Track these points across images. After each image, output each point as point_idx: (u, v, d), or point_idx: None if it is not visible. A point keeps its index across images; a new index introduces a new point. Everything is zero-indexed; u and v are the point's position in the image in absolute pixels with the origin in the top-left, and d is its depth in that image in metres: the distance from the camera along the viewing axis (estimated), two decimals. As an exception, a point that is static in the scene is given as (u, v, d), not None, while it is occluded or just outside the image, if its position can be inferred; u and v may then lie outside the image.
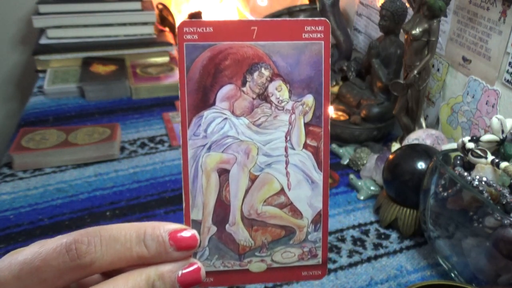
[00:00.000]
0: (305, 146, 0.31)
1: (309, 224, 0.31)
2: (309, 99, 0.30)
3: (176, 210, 0.70)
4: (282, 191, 0.31)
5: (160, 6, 1.33)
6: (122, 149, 0.85)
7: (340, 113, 0.92)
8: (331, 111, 0.91)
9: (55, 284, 0.25)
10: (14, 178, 0.76)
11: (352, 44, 1.05)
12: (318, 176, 0.31)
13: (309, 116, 0.30)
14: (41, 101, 1.02)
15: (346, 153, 0.83)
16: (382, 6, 0.83)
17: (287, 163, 0.31)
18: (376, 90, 0.88)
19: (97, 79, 1.04)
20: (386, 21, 0.83)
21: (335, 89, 0.97)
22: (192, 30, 0.29)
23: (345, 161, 0.82)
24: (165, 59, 1.19)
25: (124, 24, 1.18)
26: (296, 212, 0.31)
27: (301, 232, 0.31)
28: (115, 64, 1.11)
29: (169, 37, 1.24)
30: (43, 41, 1.14)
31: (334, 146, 0.85)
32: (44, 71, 1.12)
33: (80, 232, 0.26)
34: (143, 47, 1.17)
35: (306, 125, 0.30)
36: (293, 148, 0.31)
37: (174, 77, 1.10)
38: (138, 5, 1.18)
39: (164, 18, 1.31)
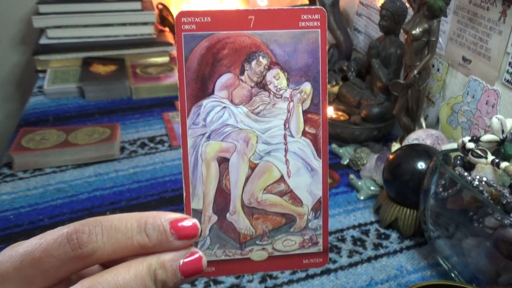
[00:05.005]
0: (304, 133, 0.31)
1: (309, 212, 0.31)
2: (307, 86, 0.30)
3: (177, 210, 0.69)
4: (282, 178, 0.31)
5: (160, 6, 1.33)
6: (122, 149, 0.85)
7: (340, 113, 0.92)
8: (331, 111, 0.91)
9: (57, 275, 0.25)
10: (14, 178, 0.76)
11: (352, 44, 1.05)
12: (318, 164, 0.31)
13: (307, 104, 0.30)
14: (41, 101, 1.02)
15: (346, 153, 0.83)
16: (382, 6, 0.83)
17: (286, 150, 0.31)
18: (376, 90, 0.88)
19: (97, 79, 1.04)
20: (386, 21, 0.83)
21: (335, 89, 0.97)
22: (190, 20, 0.29)
23: (345, 161, 0.82)
24: (165, 59, 1.19)
25: (124, 24, 1.18)
26: (296, 200, 0.31)
27: (301, 220, 0.31)
28: (115, 64, 1.11)
29: (169, 37, 1.24)
30: (43, 41, 1.14)
31: (334, 146, 0.85)
32: (44, 71, 1.12)
33: (81, 222, 0.25)
34: (143, 47, 1.17)
35: (305, 112, 0.30)
36: (292, 136, 0.31)
37: (174, 77, 1.10)
38: (138, 5, 1.18)
39: (164, 18, 1.31)
